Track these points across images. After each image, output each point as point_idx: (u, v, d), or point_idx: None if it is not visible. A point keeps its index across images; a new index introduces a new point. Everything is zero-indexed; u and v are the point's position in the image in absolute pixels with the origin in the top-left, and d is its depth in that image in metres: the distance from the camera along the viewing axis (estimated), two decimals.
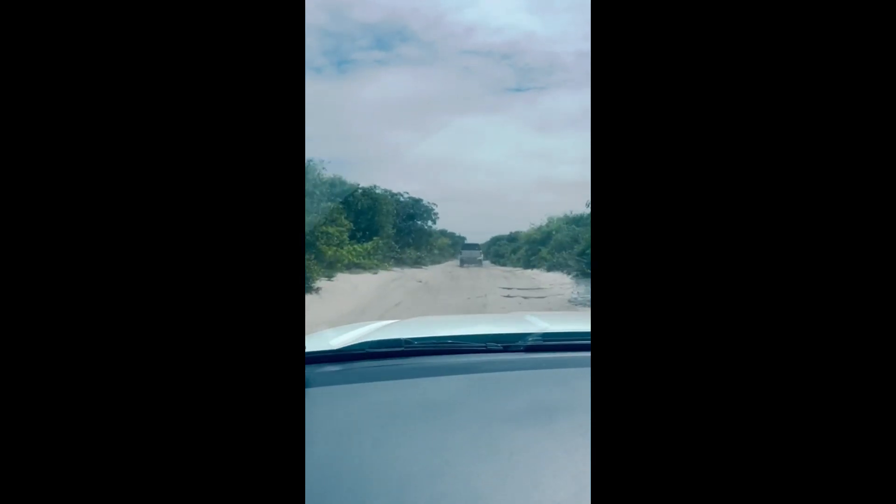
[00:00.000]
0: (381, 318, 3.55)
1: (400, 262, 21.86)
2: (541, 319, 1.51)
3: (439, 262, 34.28)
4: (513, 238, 38.96)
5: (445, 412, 0.79)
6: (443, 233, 49.71)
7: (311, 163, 14.73)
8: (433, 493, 0.58)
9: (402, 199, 26.59)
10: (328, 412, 0.81)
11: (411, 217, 26.16)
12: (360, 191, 19.55)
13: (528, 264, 23.16)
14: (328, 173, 16.58)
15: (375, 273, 16.39)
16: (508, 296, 11.37)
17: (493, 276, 18.43)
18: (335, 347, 1.15)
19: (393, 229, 22.73)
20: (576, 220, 23.29)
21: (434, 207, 27.59)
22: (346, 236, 15.01)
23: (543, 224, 26.78)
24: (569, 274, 16.25)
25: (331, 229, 13.79)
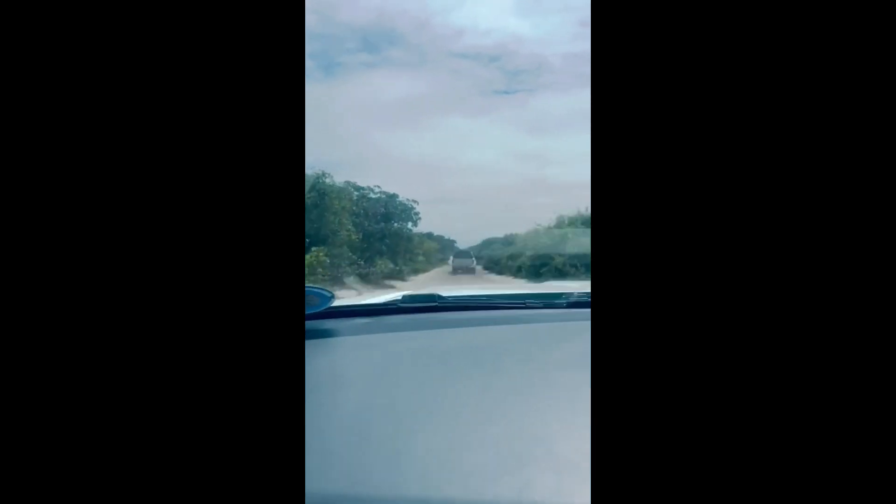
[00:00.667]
0: None
1: (365, 279, 16.54)
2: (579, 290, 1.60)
3: (426, 271, 29.26)
4: (509, 241, 33.78)
5: (491, 356, 0.76)
6: (429, 236, 44.71)
7: None
8: (485, 436, 0.56)
9: (371, 195, 20.85)
10: (359, 357, 0.79)
11: (386, 218, 20.51)
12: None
13: (536, 275, 17.77)
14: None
15: None
16: None
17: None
18: (365, 302, 1.17)
19: (357, 234, 17.68)
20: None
21: (414, 206, 22.07)
22: None
23: (552, 224, 21.33)
24: None
25: None
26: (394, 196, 21.12)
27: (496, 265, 30.00)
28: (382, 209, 20.78)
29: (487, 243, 47.84)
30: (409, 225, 22.26)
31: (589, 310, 0.97)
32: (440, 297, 1.17)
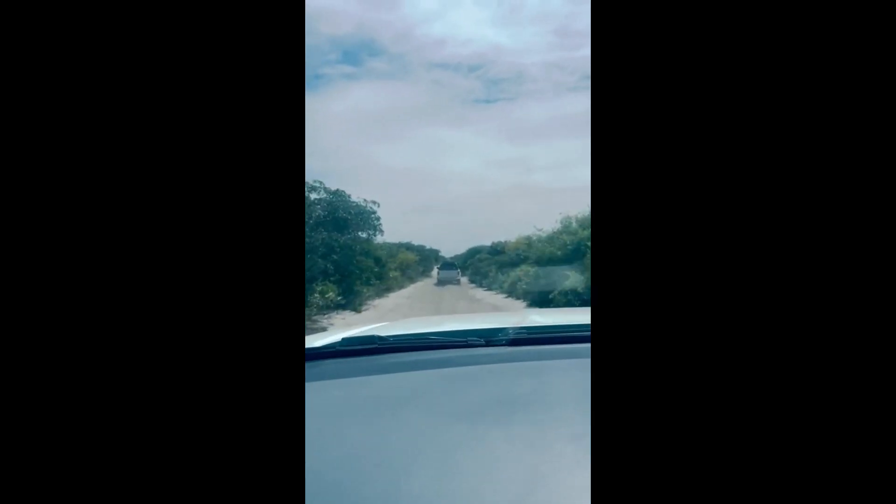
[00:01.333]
0: None
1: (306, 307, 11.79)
2: (542, 315, 1.56)
3: (402, 287, 24.64)
4: (497, 250, 29.15)
5: (396, 407, 0.78)
6: (407, 246, 40.05)
7: None
8: (360, 494, 0.57)
9: (313, 195, 14.74)
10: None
11: (337, 226, 14.52)
12: None
13: (541, 296, 12.75)
14: None
15: None
16: None
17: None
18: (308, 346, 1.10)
19: None
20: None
21: (374, 208, 16.14)
22: None
23: (557, 227, 15.89)
24: None
25: None
26: (342, 195, 15.46)
27: (483, 278, 25.38)
28: (325, 213, 14.61)
29: (473, 252, 43.41)
30: (371, 234, 16.47)
31: (524, 348, 1.05)
32: (380, 338, 1.10)
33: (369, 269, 16.23)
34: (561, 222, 15.50)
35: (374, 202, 16.28)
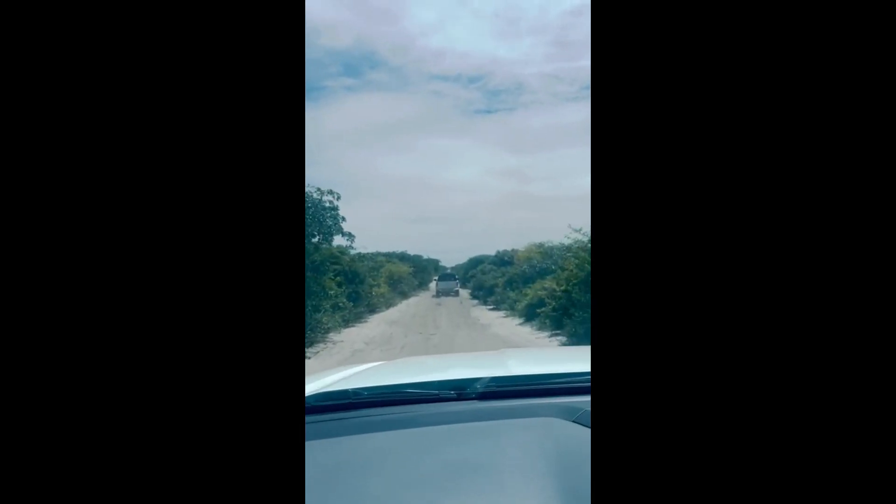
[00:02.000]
0: None
1: None
2: (518, 361, 1.49)
3: (391, 306, 20.43)
4: (503, 259, 24.88)
5: (352, 475, 0.79)
6: (401, 256, 35.86)
7: None
8: None
9: None
10: None
11: None
12: None
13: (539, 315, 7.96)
14: None
15: None
16: None
17: None
18: None
19: None
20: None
21: (334, 202, 10.97)
22: None
23: (577, 236, 11.07)
24: None
25: None
26: None
27: (488, 294, 21.14)
28: None
29: (475, 262, 39.16)
30: (325, 239, 11.09)
31: (491, 403, 1.03)
32: (354, 392, 1.09)
33: (331, 291, 11.62)
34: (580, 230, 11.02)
35: (333, 193, 11.04)
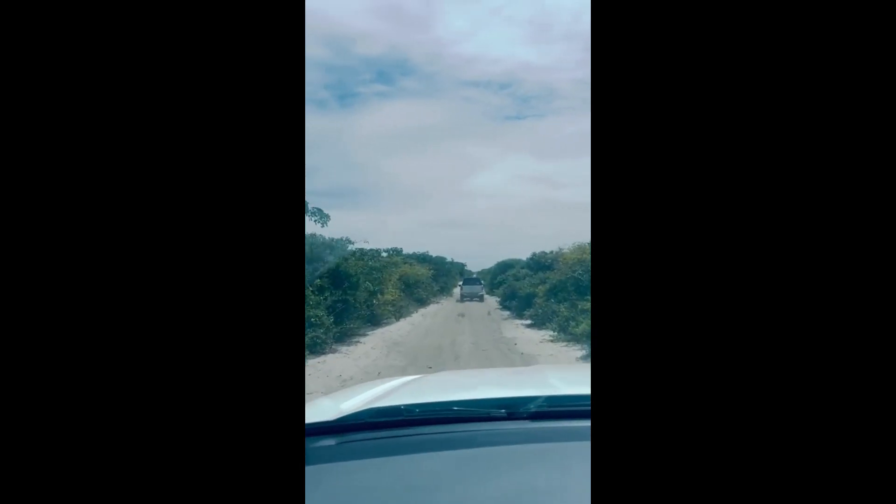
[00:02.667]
0: None
1: None
2: (561, 380, 1.47)
3: (404, 316, 16.29)
4: (541, 263, 20.45)
5: (426, 498, 0.79)
6: (421, 258, 31.66)
7: None
8: None
9: None
10: (322, 495, 0.78)
11: None
12: None
13: None
14: None
15: None
16: None
17: None
18: (332, 419, 1.09)
19: None
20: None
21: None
22: None
23: None
24: None
25: None
26: None
27: (522, 304, 16.76)
28: None
29: (505, 266, 34.82)
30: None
31: (545, 424, 1.04)
32: (406, 409, 1.08)
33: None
34: None
35: None
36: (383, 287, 14.51)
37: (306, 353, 7.86)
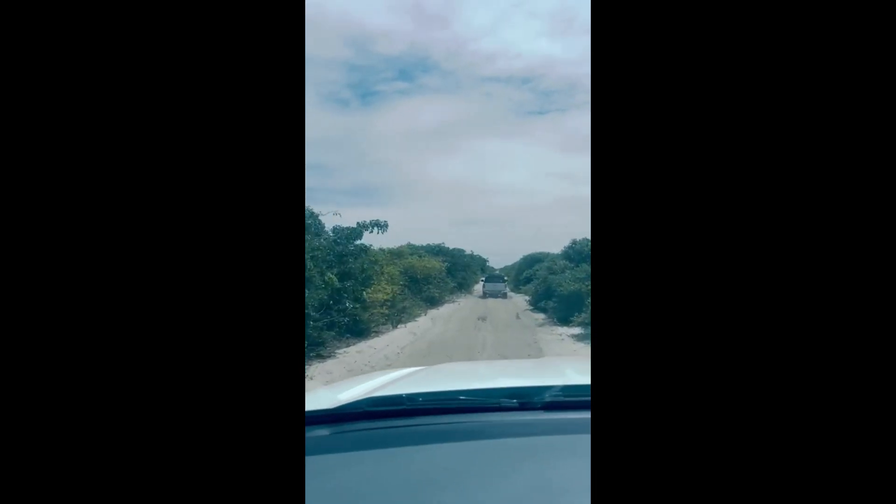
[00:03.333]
0: None
1: None
2: (577, 371, 1.33)
3: (403, 323, 12.09)
4: (586, 254, 15.92)
5: (430, 493, 0.72)
6: (436, 250, 27.26)
7: None
8: None
9: None
10: (315, 486, 0.71)
11: None
12: None
13: None
14: None
15: None
16: None
17: None
18: (329, 407, 1.00)
19: None
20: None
21: None
22: None
23: None
24: None
25: None
26: None
27: (572, 308, 12.29)
28: None
29: (532, 260, 30.48)
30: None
31: (559, 415, 0.95)
32: (409, 398, 0.99)
33: None
34: None
35: None
36: (374, 284, 10.14)
37: None
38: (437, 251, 25.39)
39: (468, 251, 34.13)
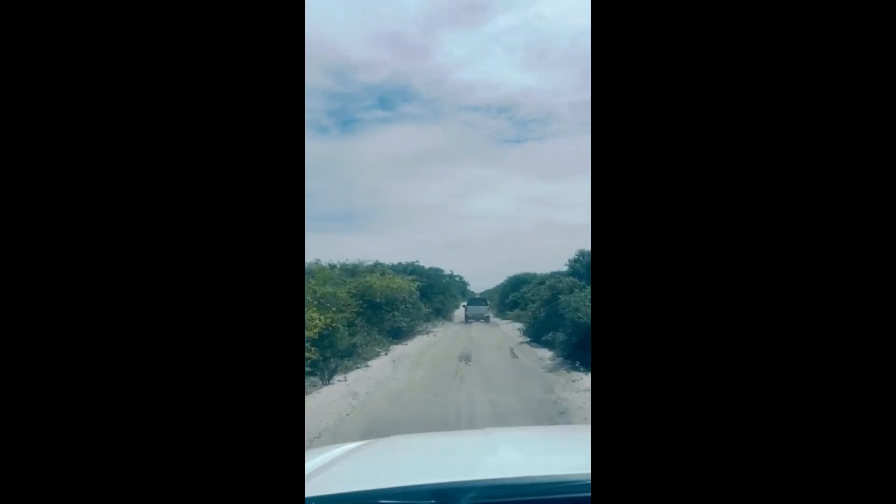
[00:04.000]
0: None
1: None
2: (512, 449, 1.31)
3: (314, 388, 7.62)
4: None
5: None
6: (410, 269, 23.15)
7: None
8: None
9: None
10: None
11: None
12: None
13: None
14: None
15: None
16: None
17: None
18: None
19: None
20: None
21: None
22: None
23: None
24: None
25: None
26: None
27: (577, 338, 8.26)
28: None
29: (517, 282, 26.57)
30: None
31: None
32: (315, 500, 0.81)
33: None
34: None
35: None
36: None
37: None
38: (411, 270, 21.30)
39: (447, 271, 30.17)
